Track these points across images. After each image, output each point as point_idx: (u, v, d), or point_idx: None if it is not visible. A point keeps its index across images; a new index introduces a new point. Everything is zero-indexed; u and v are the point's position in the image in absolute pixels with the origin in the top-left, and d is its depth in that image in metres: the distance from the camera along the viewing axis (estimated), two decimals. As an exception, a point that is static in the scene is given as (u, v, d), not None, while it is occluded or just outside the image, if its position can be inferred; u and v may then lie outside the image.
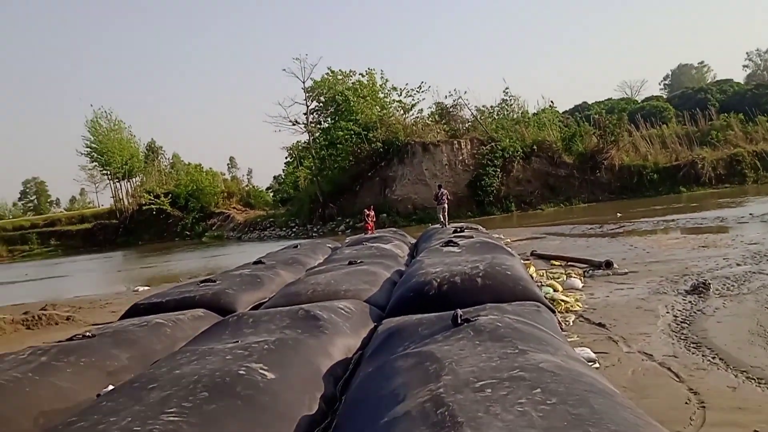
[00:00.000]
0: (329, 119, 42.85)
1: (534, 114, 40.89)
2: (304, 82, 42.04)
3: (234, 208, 52.37)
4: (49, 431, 3.16)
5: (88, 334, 5.65)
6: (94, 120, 55.94)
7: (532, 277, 9.04)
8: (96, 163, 58.25)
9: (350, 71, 42.47)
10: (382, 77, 42.16)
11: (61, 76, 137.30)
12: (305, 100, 42.46)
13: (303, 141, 47.28)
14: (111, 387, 4.39)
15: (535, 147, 36.41)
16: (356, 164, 38.56)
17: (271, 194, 61.15)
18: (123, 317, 7.63)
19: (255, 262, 10.75)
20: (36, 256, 51.84)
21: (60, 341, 5.60)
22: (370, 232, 21.03)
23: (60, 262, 40.80)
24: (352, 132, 38.59)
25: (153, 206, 51.71)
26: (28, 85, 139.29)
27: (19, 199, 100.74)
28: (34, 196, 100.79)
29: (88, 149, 56.49)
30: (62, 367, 4.74)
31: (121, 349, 5.39)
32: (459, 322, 4.03)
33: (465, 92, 48.78)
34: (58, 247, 54.56)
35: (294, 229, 40.25)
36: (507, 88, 40.90)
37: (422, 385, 2.95)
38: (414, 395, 2.85)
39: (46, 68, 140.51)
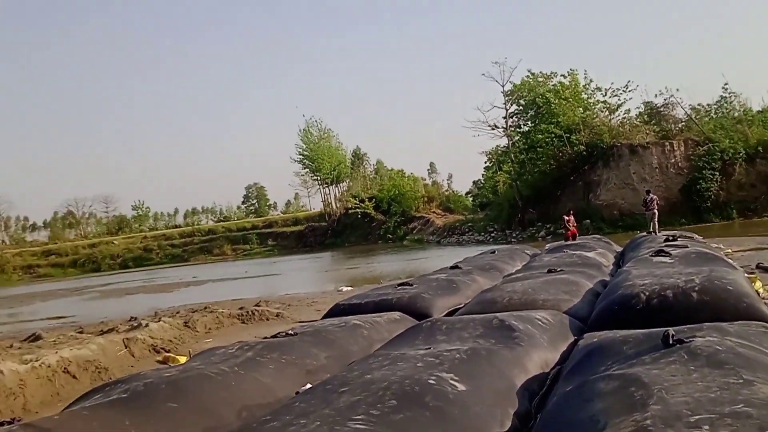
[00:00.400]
0: (529, 122, 42.00)
1: (759, 111, 36.94)
2: (503, 86, 41.66)
3: (434, 212, 53.19)
4: (246, 428, 3.26)
5: (290, 332, 5.89)
6: (306, 129, 59.83)
7: (759, 294, 8.06)
8: (307, 170, 62.10)
9: (551, 73, 41.28)
10: (585, 77, 40.52)
11: (277, 88, 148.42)
12: (504, 103, 42.08)
13: (502, 145, 46.84)
14: (309, 385, 4.50)
15: (760, 148, 32.81)
16: (557, 168, 37.41)
17: (471, 199, 61.33)
18: (325, 316, 7.93)
19: (452, 267, 10.71)
20: (255, 255, 56.34)
21: (265, 338, 5.90)
22: (571, 238, 20.20)
23: (276, 261, 43.94)
24: (553, 135, 37.47)
25: (358, 210, 54.14)
26: (246, 98, 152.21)
27: (242, 203, 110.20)
28: (255, 200, 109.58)
29: (301, 156, 60.52)
30: (265, 363, 4.96)
31: (320, 348, 5.54)
32: (671, 342, 3.61)
33: (677, 90, 45.26)
34: (275, 247, 58.90)
35: (492, 234, 39.97)
36: (726, 84, 37.25)
37: (626, 414, 2.64)
38: (616, 424, 2.56)
39: (262, 80, 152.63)
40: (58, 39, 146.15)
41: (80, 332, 12.54)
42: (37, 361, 7.59)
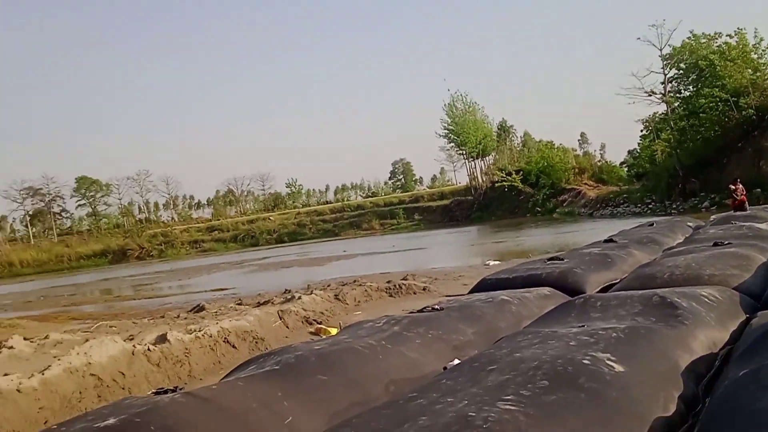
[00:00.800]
0: (690, 87, 39.34)
1: None
2: (661, 50, 39.11)
3: (585, 183, 51.27)
4: (392, 403, 3.22)
5: (437, 306, 5.84)
6: (451, 103, 59.60)
7: None
8: (453, 144, 61.97)
9: (716, 33, 38.25)
10: (755, 36, 37.11)
11: (422, 61, 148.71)
12: (662, 68, 39.53)
13: (660, 112, 44.12)
14: (456, 361, 4.42)
15: None
16: (722, 134, 34.79)
17: (625, 169, 58.44)
18: (472, 291, 7.81)
19: (606, 241, 10.22)
20: (402, 229, 57.13)
21: (411, 312, 5.89)
22: (738, 208, 18.66)
23: (422, 235, 44.30)
24: (718, 99, 34.84)
25: (505, 183, 53.34)
26: (393, 74, 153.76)
27: (389, 178, 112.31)
28: (402, 176, 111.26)
29: (446, 131, 60.41)
30: (412, 337, 4.93)
31: (467, 323, 5.44)
32: None
33: None
34: (421, 222, 59.39)
35: (650, 206, 37.96)
36: None
37: (815, 406, 2.32)
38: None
39: (408, 54, 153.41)
40: (213, 24, 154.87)
41: (239, 304, 13.29)
42: (200, 331, 8.07)
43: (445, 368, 4.23)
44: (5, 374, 6.14)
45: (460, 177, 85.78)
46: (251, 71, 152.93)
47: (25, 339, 9.71)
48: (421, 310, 5.82)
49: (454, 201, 61.38)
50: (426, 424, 2.72)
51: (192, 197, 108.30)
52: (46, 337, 9.91)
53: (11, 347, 8.99)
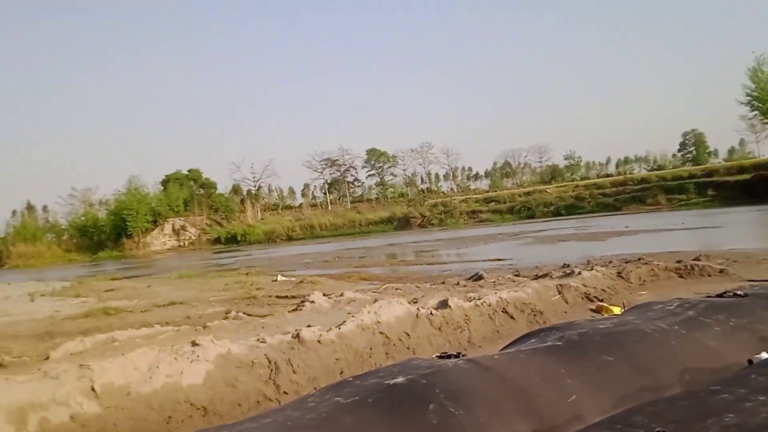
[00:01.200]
0: None
1: None
2: None
3: None
4: (689, 394, 2.95)
5: (739, 292, 5.27)
6: (756, 67, 53.14)
7: None
8: (756, 112, 55.39)
9: None
10: None
11: (719, 28, 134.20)
12: None
13: None
14: (765, 355, 3.94)
15: None
16: None
17: None
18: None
19: None
20: (693, 206, 52.62)
21: (709, 296, 5.39)
22: None
23: (716, 213, 40.48)
24: None
25: (822, 156, 46.26)
26: (682, 40, 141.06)
27: (678, 150, 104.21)
28: (693, 147, 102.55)
29: (749, 98, 54.22)
30: (710, 324, 4.49)
31: (776, 313, 4.81)
32: None
33: None
34: (715, 198, 54.19)
35: None
36: None
37: None
38: None
39: (710, 21, 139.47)
40: None
41: (516, 275, 13.31)
42: (479, 299, 8.23)
43: (750, 361, 3.80)
44: (308, 326, 6.84)
45: (763, 149, 76.72)
46: (529, 41, 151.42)
47: (324, 295, 10.79)
48: (720, 295, 5.30)
49: (756, 176, 54.79)
50: (733, 422, 2.44)
51: (470, 169, 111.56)
52: (341, 295, 10.91)
53: (313, 302, 10.05)
